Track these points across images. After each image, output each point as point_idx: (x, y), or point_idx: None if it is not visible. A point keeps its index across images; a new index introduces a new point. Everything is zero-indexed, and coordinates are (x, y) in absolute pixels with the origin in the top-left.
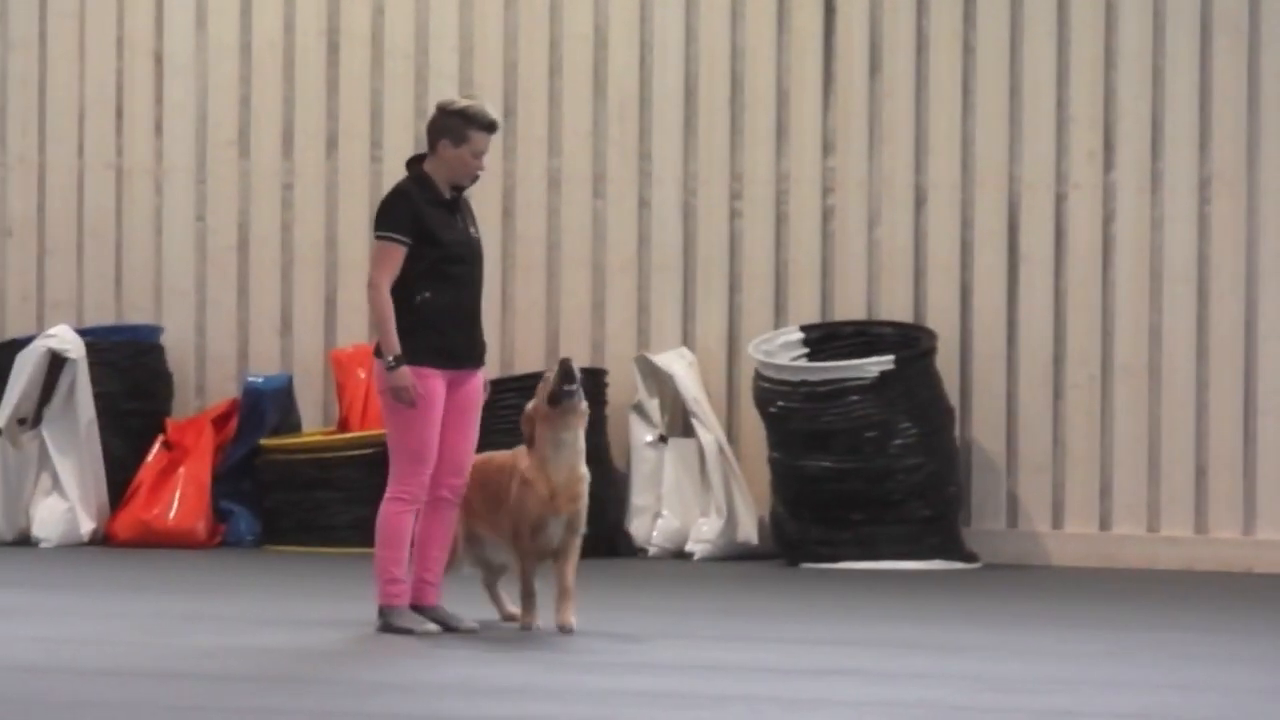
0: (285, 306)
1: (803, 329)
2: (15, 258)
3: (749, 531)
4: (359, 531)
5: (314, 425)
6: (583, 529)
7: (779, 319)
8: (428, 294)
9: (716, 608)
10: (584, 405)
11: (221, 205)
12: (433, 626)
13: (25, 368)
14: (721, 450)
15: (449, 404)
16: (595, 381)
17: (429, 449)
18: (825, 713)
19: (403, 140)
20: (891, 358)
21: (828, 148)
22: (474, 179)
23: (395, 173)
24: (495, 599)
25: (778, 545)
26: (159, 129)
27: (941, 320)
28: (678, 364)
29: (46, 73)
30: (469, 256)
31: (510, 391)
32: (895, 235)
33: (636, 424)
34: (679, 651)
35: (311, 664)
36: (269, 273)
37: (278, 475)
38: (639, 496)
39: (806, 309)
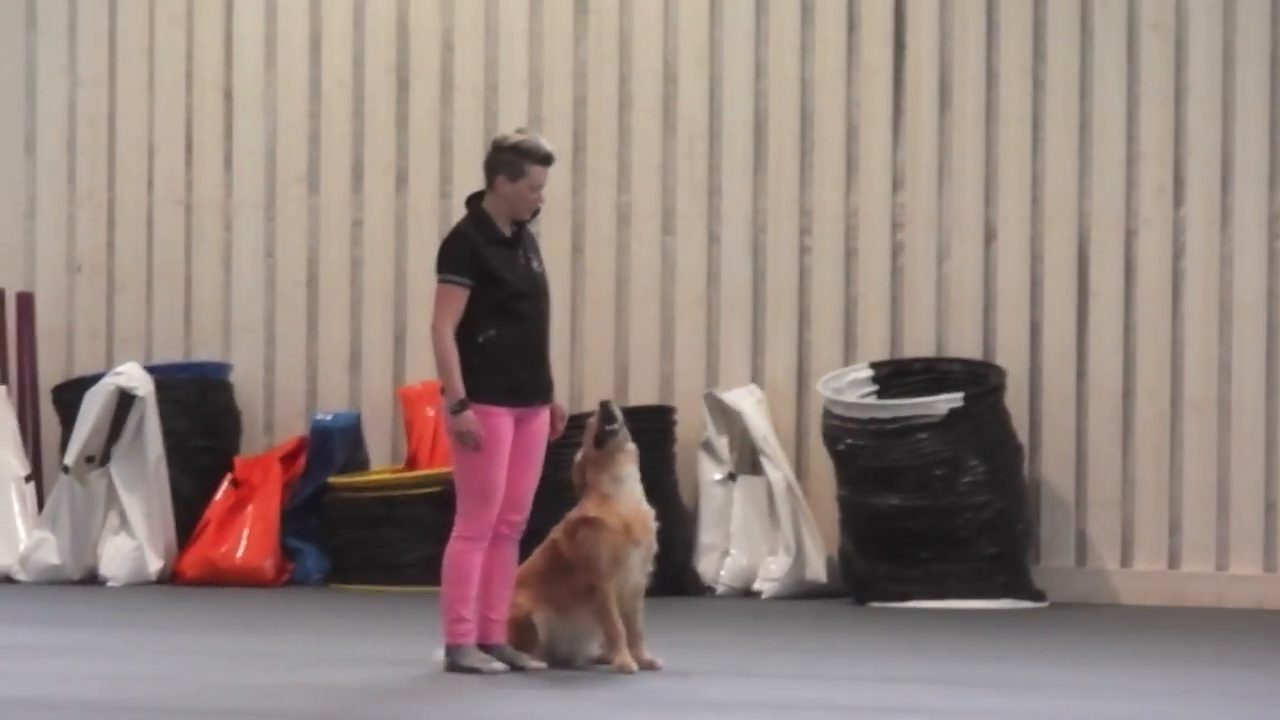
0: (354, 343)
1: (872, 365)
2: (84, 294)
3: (817, 570)
4: (426, 570)
5: (382, 463)
6: (651, 568)
7: (848, 355)
8: (492, 332)
9: (784, 646)
10: (631, 445)
11: (290, 241)
12: (499, 665)
13: (94, 405)
14: (790, 488)
15: (515, 440)
16: (663, 419)
17: (496, 488)
18: None
19: (472, 176)
20: (960, 395)
21: (897, 183)
22: (534, 213)
23: (459, 210)
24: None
25: (846, 583)
26: (228, 164)
27: (1010, 357)
28: (746, 401)
29: (116, 109)
30: (533, 292)
31: (578, 429)
32: (964, 271)
33: (705, 461)
34: (746, 690)
35: (375, 703)
36: (338, 309)
37: (345, 513)
38: (707, 534)
39: (875, 345)
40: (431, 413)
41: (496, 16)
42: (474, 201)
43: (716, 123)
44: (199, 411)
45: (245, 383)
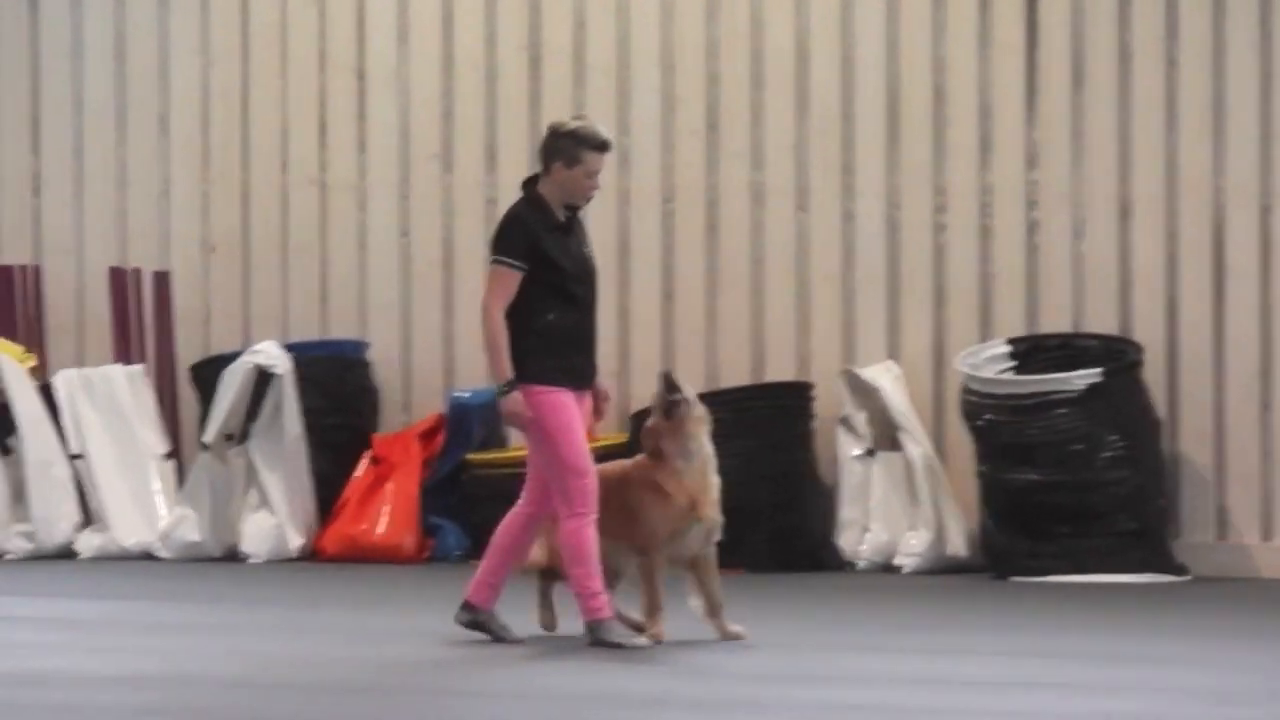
0: None
1: (1009, 342)
2: (220, 274)
3: (957, 545)
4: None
5: (519, 439)
6: (718, 537)
7: (984, 332)
8: (551, 316)
9: (924, 621)
10: (700, 410)
11: (425, 220)
12: (643, 640)
13: (232, 384)
14: (929, 464)
15: None
16: (801, 395)
17: (583, 457)
18: None
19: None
20: (1098, 370)
21: (1031, 160)
22: (588, 199)
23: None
24: (549, 607)
25: (986, 558)
26: (362, 145)
27: (1147, 333)
28: (884, 377)
29: (249, 88)
30: (585, 278)
31: (716, 406)
32: (1100, 248)
33: (843, 438)
34: (887, 665)
35: (518, 676)
36: (473, 287)
37: (485, 490)
38: (847, 510)
39: (1012, 322)
40: None
41: None
42: (529, 186)
43: (849, 101)
44: (336, 389)
45: (382, 361)
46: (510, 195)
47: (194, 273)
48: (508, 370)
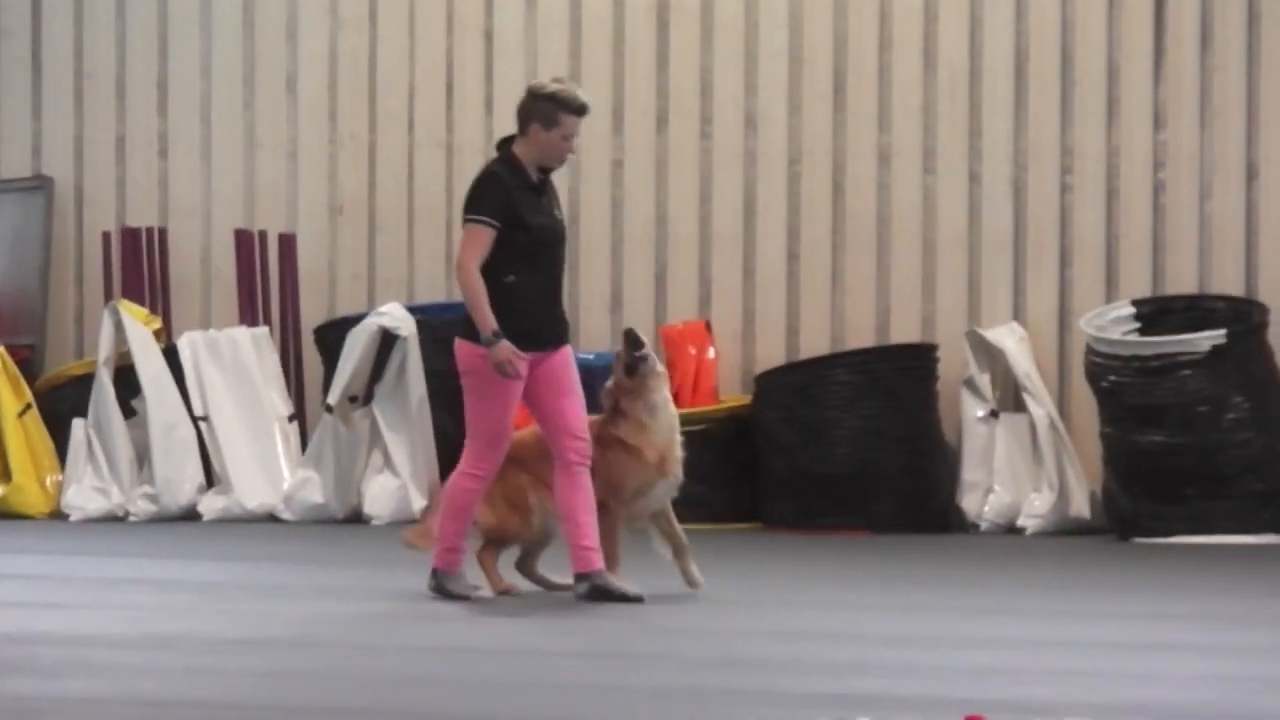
0: (615, 283)
1: (1134, 303)
2: (346, 236)
3: (1081, 506)
4: (689, 508)
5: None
6: (676, 494)
7: (1110, 294)
8: (512, 277)
9: (1048, 582)
10: (661, 368)
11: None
12: (486, 592)
13: (356, 346)
14: (1053, 425)
15: (543, 377)
16: (925, 357)
17: (506, 430)
18: (1160, 687)
19: (732, 117)
20: (1224, 332)
21: (1159, 122)
22: (562, 162)
23: (725, 149)
24: (539, 579)
25: (1110, 520)
26: (489, 106)
27: (1274, 294)
28: (1009, 339)
29: (377, 51)
30: (554, 240)
31: (841, 368)
32: (1226, 209)
33: (968, 399)
34: (1013, 627)
35: (652, 637)
36: (600, 250)
37: None
38: (970, 472)
39: (1137, 283)
40: (693, 351)
41: None
42: (504, 146)
43: (977, 62)
44: None
45: None
46: (636, 157)
47: (319, 235)
48: (491, 321)
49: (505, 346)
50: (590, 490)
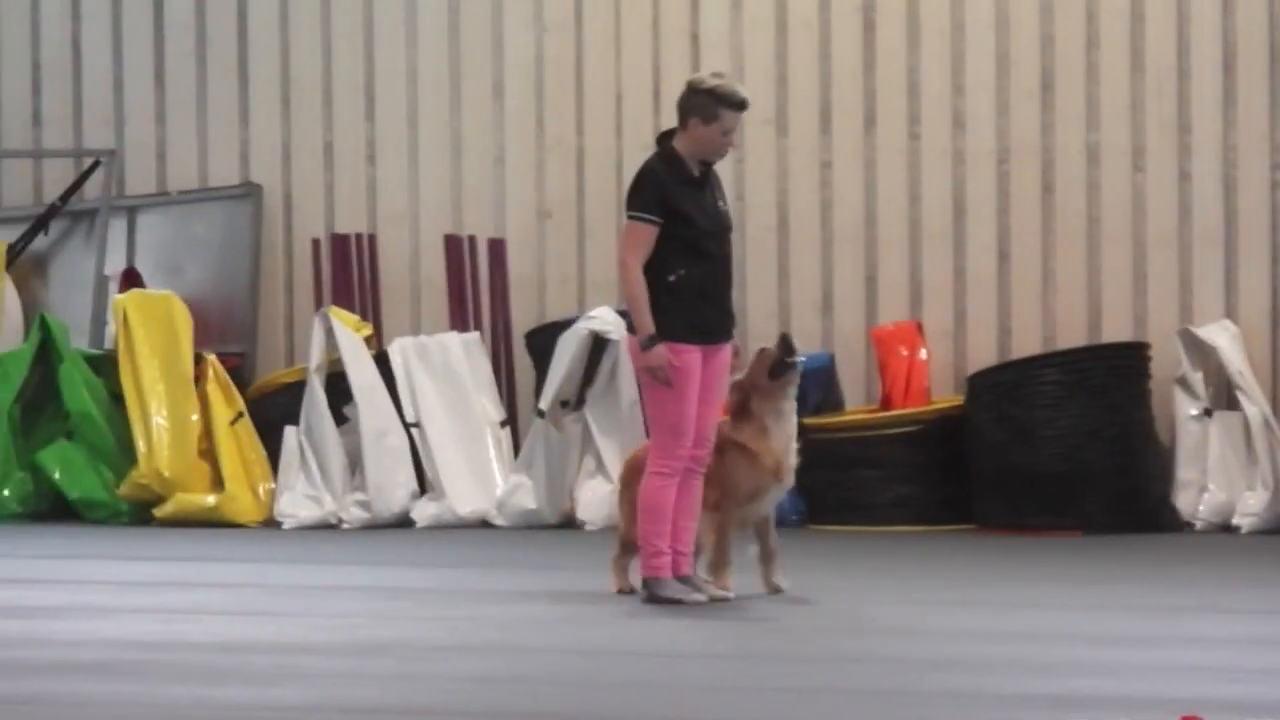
0: (825, 285)
1: None
2: (555, 240)
3: None
4: (901, 509)
5: (855, 404)
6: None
7: None
8: (682, 271)
9: (1263, 580)
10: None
11: (760, 184)
12: (700, 595)
13: (567, 350)
14: (1267, 423)
15: (702, 378)
16: (1137, 355)
17: (688, 423)
18: None
19: (940, 116)
20: None
21: None
22: (721, 156)
23: (933, 149)
24: (622, 571)
25: None
26: None
27: None
28: (1221, 336)
29: (583, 55)
30: (719, 232)
31: (1052, 367)
32: None
33: (1180, 397)
34: (1228, 626)
35: (839, 638)
36: (808, 251)
37: (820, 454)
38: (1184, 470)
39: None
40: (905, 353)
41: None
42: (664, 140)
43: (1185, 60)
44: None
45: None
46: (843, 158)
47: (528, 239)
48: (649, 324)
49: (660, 352)
50: (698, 498)
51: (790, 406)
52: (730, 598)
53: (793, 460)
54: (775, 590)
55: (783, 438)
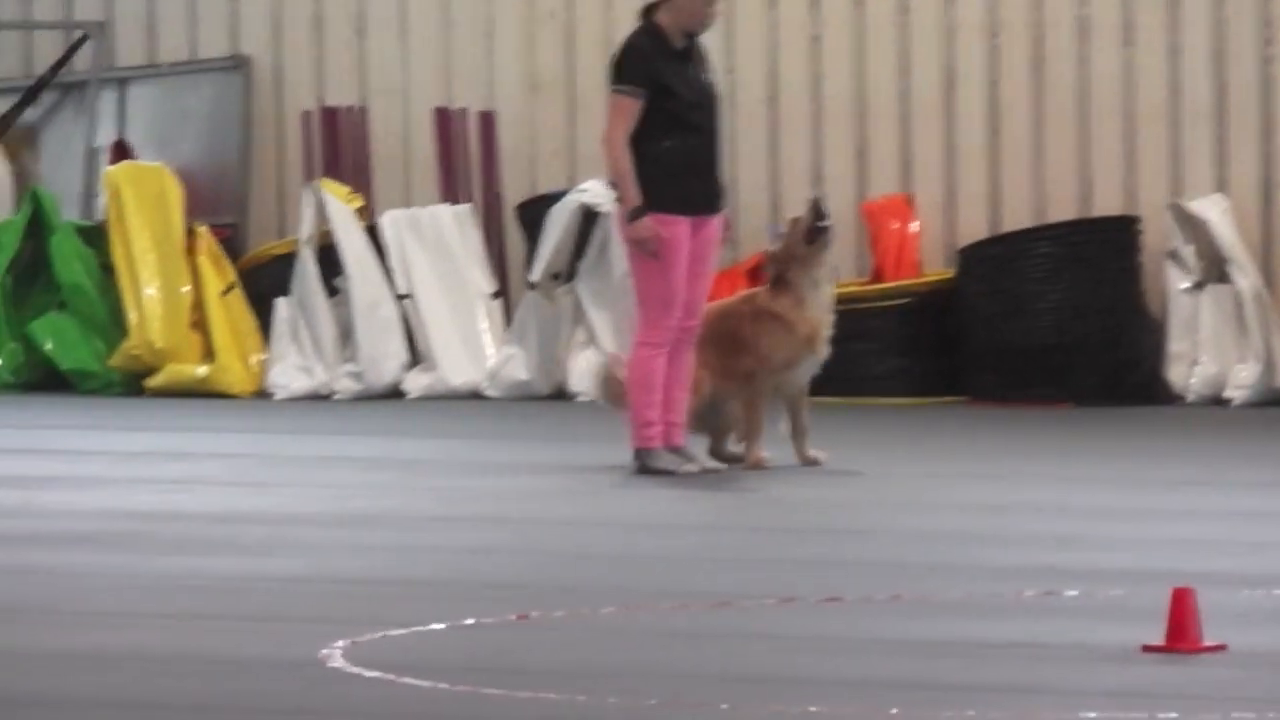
0: (815, 159)
1: None
2: (545, 113)
3: None
4: (894, 381)
5: (846, 277)
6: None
7: None
8: (667, 143)
9: (1256, 454)
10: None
11: (750, 58)
12: (692, 465)
13: (558, 222)
14: (1259, 296)
15: (691, 249)
16: (1128, 229)
17: (676, 295)
18: None
19: None
20: None
21: None
22: (706, 27)
23: (924, 23)
24: (732, 458)
25: None
26: None
27: None
28: (1212, 210)
29: None
30: (705, 103)
31: (1044, 240)
32: None
33: (1172, 271)
34: (1218, 498)
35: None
36: (799, 125)
37: None
38: (1176, 344)
39: None
40: (896, 226)
41: None
42: (647, 13)
43: None
44: None
45: None
46: (834, 32)
47: (519, 112)
48: (635, 196)
49: (646, 224)
50: (690, 368)
51: (826, 275)
52: (768, 464)
53: (828, 331)
54: (812, 462)
55: (818, 308)
